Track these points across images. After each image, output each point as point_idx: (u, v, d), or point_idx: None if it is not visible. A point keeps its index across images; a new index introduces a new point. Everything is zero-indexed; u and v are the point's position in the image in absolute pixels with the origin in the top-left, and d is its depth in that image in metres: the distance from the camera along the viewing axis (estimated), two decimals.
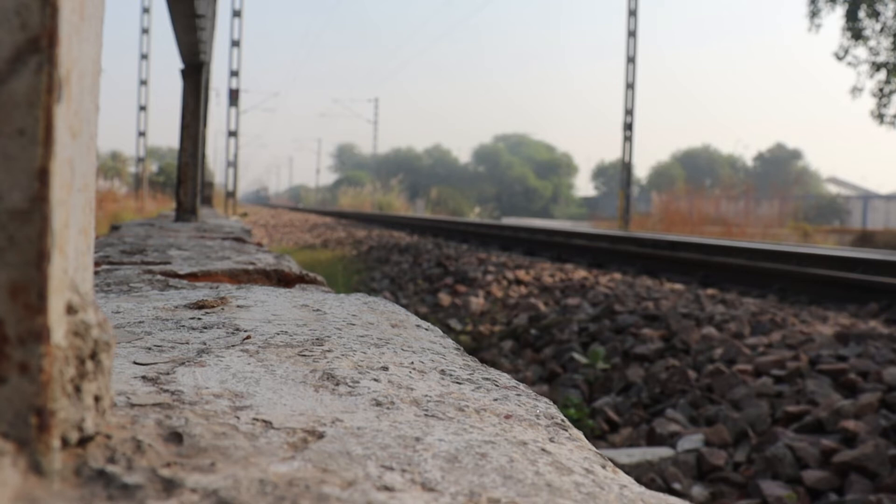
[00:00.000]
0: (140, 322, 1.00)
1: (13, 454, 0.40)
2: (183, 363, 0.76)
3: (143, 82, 24.84)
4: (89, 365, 0.45)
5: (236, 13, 20.49)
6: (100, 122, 0.51)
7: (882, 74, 21.64)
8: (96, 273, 1.60)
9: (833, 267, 7.80)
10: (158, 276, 1.58)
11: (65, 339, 0.43)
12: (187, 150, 4.60)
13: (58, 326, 0.42)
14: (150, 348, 0.83)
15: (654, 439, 3.43)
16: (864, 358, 3.90)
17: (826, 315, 5.27)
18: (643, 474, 2.98)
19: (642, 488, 0.56)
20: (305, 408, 0.63)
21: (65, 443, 0.44)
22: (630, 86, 20.08)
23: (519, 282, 7.75)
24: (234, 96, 21.37)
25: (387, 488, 0.47)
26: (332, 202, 71.29)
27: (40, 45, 0.40)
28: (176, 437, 0.52)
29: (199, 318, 1.04)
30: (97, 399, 0.47)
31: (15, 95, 0.40)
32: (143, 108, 25.08)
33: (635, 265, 9.28)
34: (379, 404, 0.66)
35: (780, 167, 63.63)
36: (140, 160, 27.07)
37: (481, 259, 9.61)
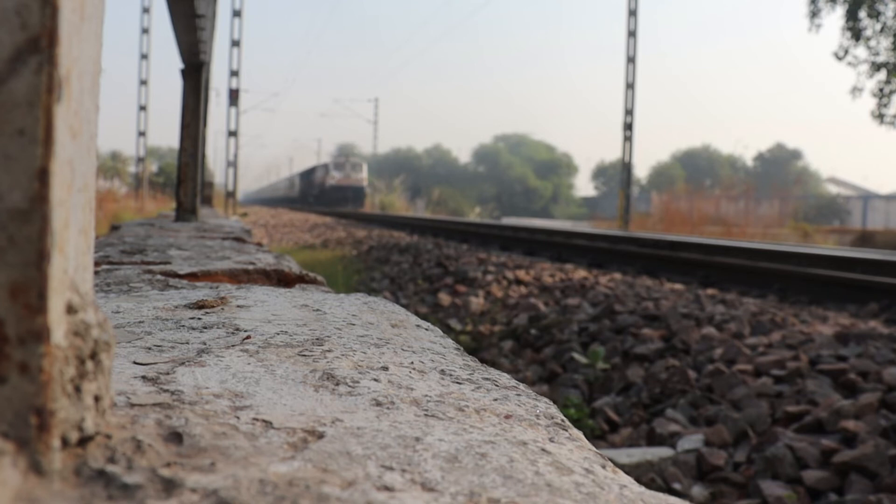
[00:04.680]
0: (140, 322, 1.00)
1: (13, 454, 0.40)
2: (183, 363, 0.76)
3: (143, 82, 24.85)
4: (89, 365, 0.45)
5: (236, 13, 20.50)
6: (100, 122, 0.51)
7: (882, 74, 21.65)
8: (96, 273, 1.60)
9: (833, 267, 7.80)
10: (158, 276, 1.58)
11: (65, 339, 0.43)
12: (187, 150, 4.60)
13: (58, 326, 0.42)
14: (150, 348, 0.83)
15: (654, 439, 3.43)
16: (864, 358, 3.90)
17: (826, 315, 5.27)
18: (643, 474, 2.98)
19: (642, 488, 0.56)
20: (305, 408, 0.63)
21: (65, 443, 0.44)
22: (630, 86, 20.08)
23: (519, 282, 7.75)
24: (234, 96, 21.37)
25: (387, 488, 0.47)
26: None
27: (40, 45, 0.40)
28: (176, 437, 0.52)
29: (199, 318, 1.04)
30: (97, 399, 0.47)
31: (15, 95, 0.40)
32: (143, 108, 25.09)
33: (635, 265, 9.28)
34: (379, 404, 0.66)
35: (780, 167, 63.67)
36: (140, 160, 27.09)
37: (481, 259, 9.61)
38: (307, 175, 55.26)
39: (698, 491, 2.94)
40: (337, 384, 0.72)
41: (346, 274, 10.28)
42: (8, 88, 0.40)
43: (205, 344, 0.87)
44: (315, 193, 50.21)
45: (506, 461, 0.54)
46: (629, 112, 20.14)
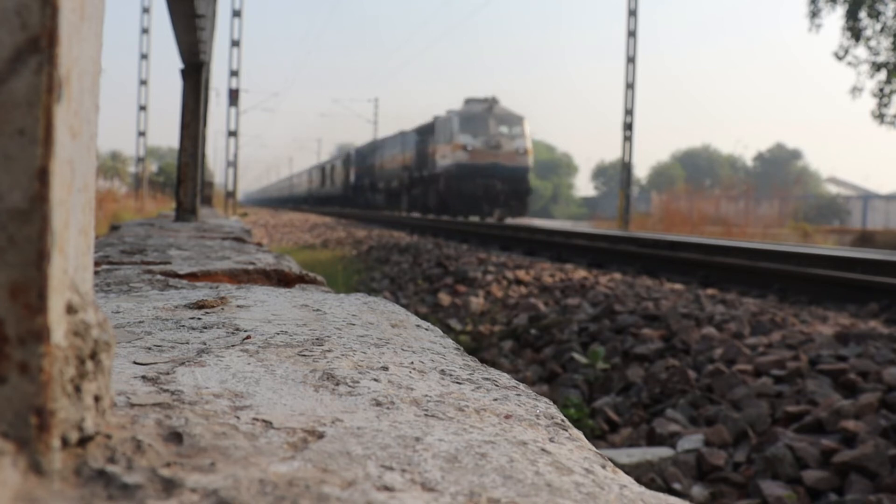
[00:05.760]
0: (140, 322, 1.00)
1: (13, 454, 0.40)
2: (183, 363, 0.76)
3: (143, 82, 24.85)
4: (89, 365, 0.45)
5: (236, 13, 20.50)
6: (100, 122, 0.51)
7: (882, 74, 21.65)
8: (96, 273, 1.60)
9: (833, 267, 7.81)
10: (158, 276, 1.58)
11: (65, 339, 0.43)
12: (187, 150, 4.60)
13: (58, 326, 0.42)
14: (150, 348, 0.83)
15: (654, 439, 3.43)
16: (864, 358, 3.90)
17: (826, 315, 5.27)
18: (643, 474, 2.98)
19: (642, 488, 0.56)
20: (305, 408, 0.63)
21: (65, 443, 0.44)
22: (630, 86, 20.07)
23: (519, 282, 7.75)
24: (234, 96, 21.37)
25: (387, 488, 0.47)
26: None
27: (40, 44, 0.40)
28: (176, 436, 0.52)
29: (199, 318, 1.04)
30: (97, 399, 0.47)
31: (15, 95, 0.40)
32: (143, 108, 25.09)
33: (635, 265, 9.28)
34: (379, 404, 0.66)
35: (780, 167, 63.69)
36: (140, 160, 27.10)
37: (481, 259, 9.61)
38: (372, 153, 31.77)
39: (698, 491, 2.94)
40: (337, 384, 0.72)
41: (346, 274, 10.28)
42: (8, 88, 0.40)
43: (205, 344, 0.87)
44: (396, 187, 27.17)
45: (506, 461, 0.54)
46: (629, 112, 20.14)
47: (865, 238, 19.00)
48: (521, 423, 0.66)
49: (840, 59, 22.05)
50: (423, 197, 25.00)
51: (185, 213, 4.73)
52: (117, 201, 20.23)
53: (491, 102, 23.16)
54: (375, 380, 0.75)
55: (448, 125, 22.92)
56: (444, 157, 22.90)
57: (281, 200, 64.26)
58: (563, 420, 0.70)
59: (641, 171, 77.11)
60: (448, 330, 6.18)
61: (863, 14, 21.26)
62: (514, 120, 23.04)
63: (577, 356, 4.76)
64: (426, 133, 25.25)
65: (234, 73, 20.84)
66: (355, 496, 0.45)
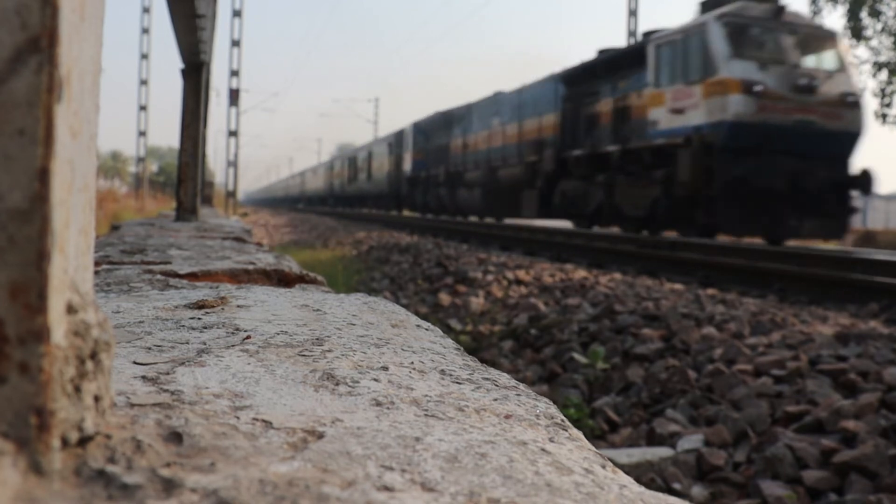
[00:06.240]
0: (140, 322, 1.00)
1: (13, 454, 0.40)
2: (183, 363, 0.76)
3: (144, 82, 24.85)
4: (89, 365, 0.45)
5: (236, 13, 20.52)
6: (100, 122, 0.51)
7: (884, 74, 21.66)
8: (96, 273, 1.60)
9: (833, 267, 7.81)
10: (158, 276, 1.58)
11: (65, 339, 0.43)
12: (187, 150, 4.60)
13: (58, 326, 0.42)
14: (150, 348, 0.83)
15: (654, 439, 3.43)
16: (864, 358, 3.90)
17: (826, 315, 5.27)
18: (643, 474, 2.98)
19: (642, 488, 0.56)
20: (305, 408, 0.63)
21: (65, 443, 0.44)
22: None
23: (519, 282, 7.75)
24: (234, 96, 21.39)
25: (387, 488, 0.47)
26: None
27: (40, 44, 0.40)
28: (176, 437, 0.52)
29: (199, 318, 1.04)
30: (97, 399, 0.47)
31: (15, 95, 0.40)
32: (143, 107, 25.10)
33: (635, 265, 9.28)
34: (379, 404, 0.66)
35: None
36: (140, 160, 27.12)
37: (481, 259, 9.61)
38: (447, 127, 21.47)
39: (698, 491, 2.93)
40: (337, 384, 0.72)
41: (347, 274, 10.28)
42: (8, 88, 0.40)
43: (205, 344, 0.87)
44: (512, 177, 17.22)
45: (506, 461, 0.54)
46: None
47: (866, 238, 19.00)
48: (520, 423, 0.66)
49: None
50: (606, 192, 13.34)
51: (185, 212, 4.73)
52: (117, 201, 20.22)
53: (776, 4, 11.60)
54: (375, 380, 0.75)
55: (694, 42, 11.34)
56: (683, 110, 11.40)
57: (290, 200, 53.18)
58: (562, 420, 0.69)
59: None
60: (448, 330, 6.18)
61: (864, 14, 21.27)
62: (823, 37, 11.70)
63: (577, 356, 4.75)
64: (593, 75, 14.10)
65: (234, 73, 20.85)
66: (355, 496, 0.45)
